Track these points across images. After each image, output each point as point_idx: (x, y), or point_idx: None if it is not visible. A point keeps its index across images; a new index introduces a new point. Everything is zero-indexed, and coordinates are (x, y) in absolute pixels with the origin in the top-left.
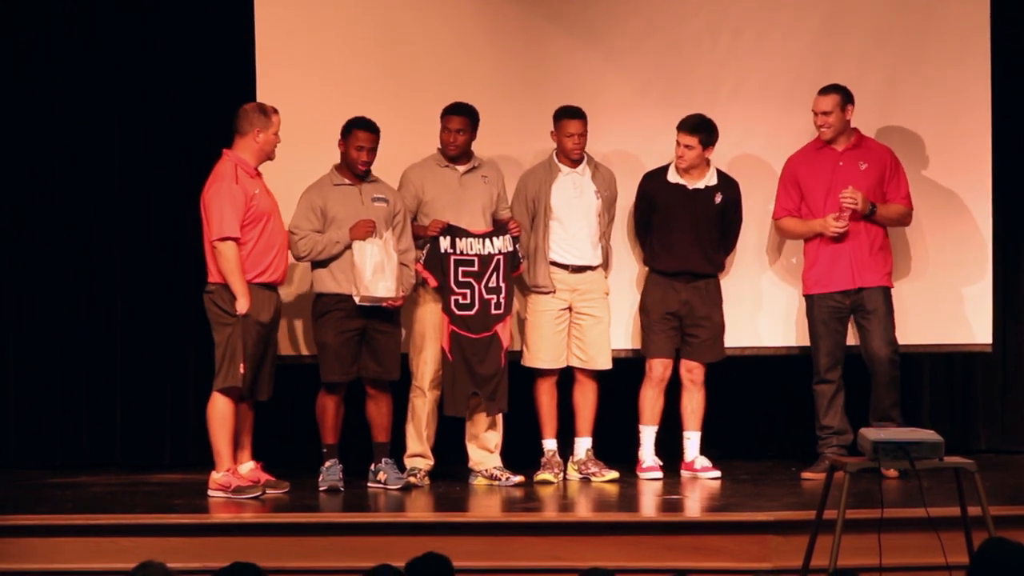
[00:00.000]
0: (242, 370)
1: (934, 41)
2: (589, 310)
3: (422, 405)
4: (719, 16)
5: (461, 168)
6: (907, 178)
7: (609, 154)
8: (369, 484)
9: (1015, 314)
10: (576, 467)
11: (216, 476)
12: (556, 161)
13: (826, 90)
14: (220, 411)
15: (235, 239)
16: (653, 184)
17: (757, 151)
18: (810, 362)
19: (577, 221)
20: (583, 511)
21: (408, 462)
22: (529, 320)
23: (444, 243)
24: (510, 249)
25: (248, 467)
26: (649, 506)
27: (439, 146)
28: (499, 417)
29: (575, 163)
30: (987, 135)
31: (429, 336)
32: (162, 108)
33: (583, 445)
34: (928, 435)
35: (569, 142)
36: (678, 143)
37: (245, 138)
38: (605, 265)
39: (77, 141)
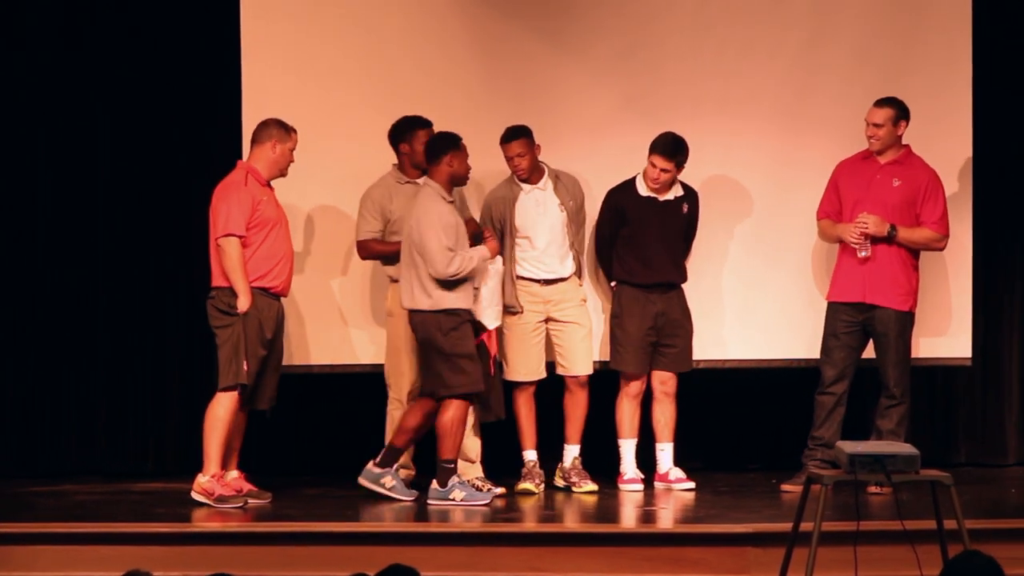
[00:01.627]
0: (246, 367)
1: (916, 59)
2: (567, 317)
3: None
4: (703, 33)
5: (421, 182)
6: (945, 202)
7: (590, 168)
8: (433, 501)
9: (996, 328)
10: (561, 474)
11: (202, 480)
12: (516, 179)
13: (882, 103)
14: (219, 414)
15: (239, 236)
16: (623, 198)
17: (739, 167)
18: (797, 374)
19: (544, 237)
20: (563, 522)
21: None
22: (505, 334)
23: None
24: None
25: (232, 475)
26: (628, 517)
27: (395, 163)
28: (479, 427)
29: (534, 180)
30: (968, 151)
31: (404, 348)
32: (147, 109)
33: (571, 453)
34: (904, 448)
35: (511, 164)
36: (654, 165)
37: (262, 148)
38: (579, 273)
39: (61, 142)
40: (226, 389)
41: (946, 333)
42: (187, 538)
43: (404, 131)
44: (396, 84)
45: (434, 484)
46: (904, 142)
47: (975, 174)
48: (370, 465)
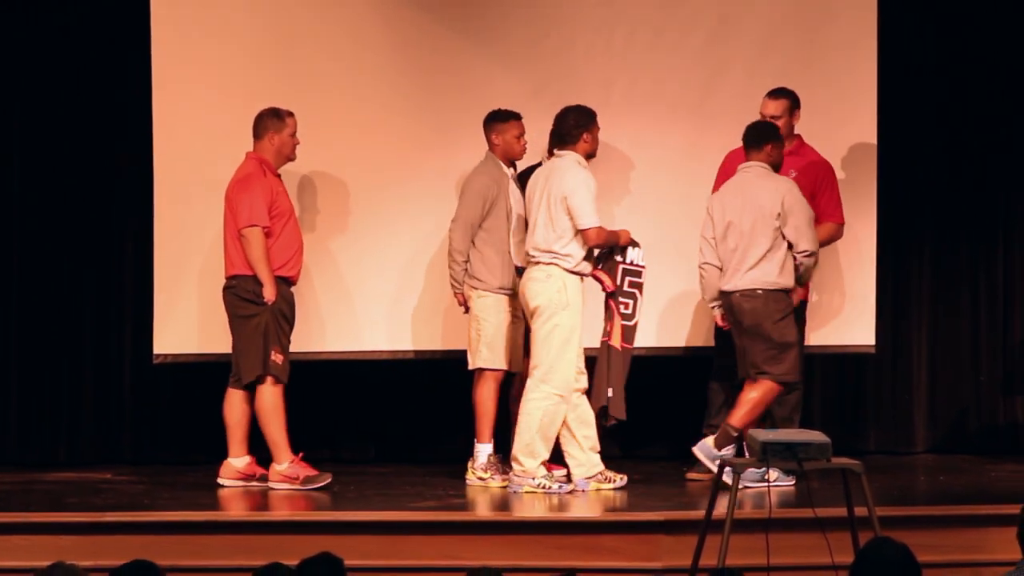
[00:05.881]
0: (280, 359)
1: (822, 46)
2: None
3: None
4: (612, 20)
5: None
6: (839, 192)
7: None
8: (700, 455)
9: (904, 315)
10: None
11: (280, 468)
12: (500, 163)
13: (776, 94)
14: (270, 402)
15: (263, 227)
16: None
17: (647, 154)
18: (701, 363)
19: (522, 222)
20: (476, 510)
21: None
22: (492, 322)
23: (618, 251)
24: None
25: (244, 461)
26: (542, 506)
27: (561, 152)
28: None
29: (510, 166)
30: (873, 138)
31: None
32: (60, 102)
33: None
34: (816, 436)
35: (519, 144)
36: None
37: (261, 142)
38: None
39: None
40: (260, 380)
41: (850, 320)
42: (100, 527)
43: (592, 119)
44: (307, 73)
45: (711, 441)
46: (796, 131)
47: (880, 160)
48: (709, 442)
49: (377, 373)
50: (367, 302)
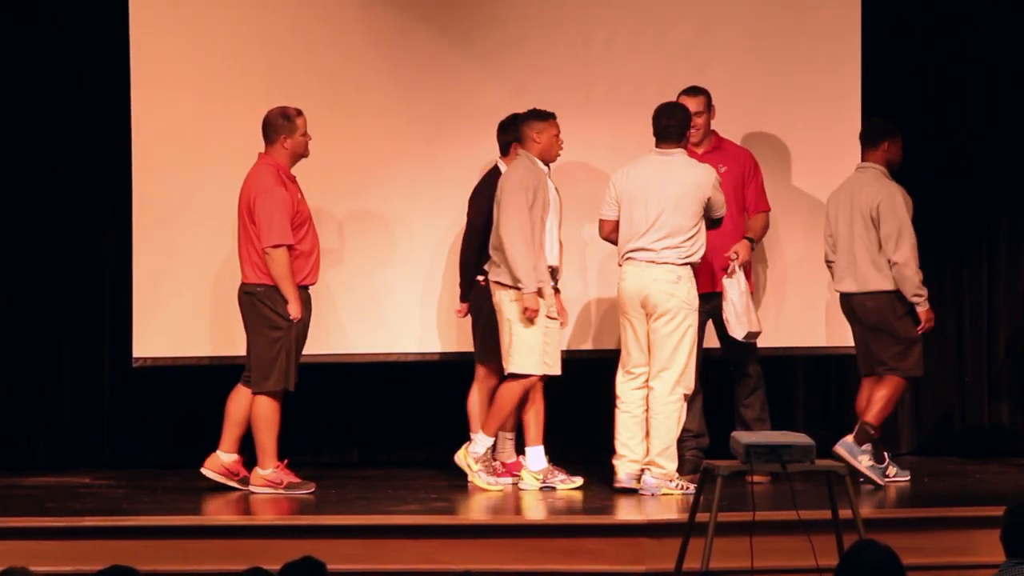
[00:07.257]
0: (294, 372)
1: (806, 48)
2: (554, 313)
3: None
4: (593, 21)
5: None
6: (763, 180)
7: (484, 159)
8: (842, 451)
9: None
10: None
11: (264, 473)
12: (537, 160)
13: (694, 92)
14: (268, 410)
15: (288, 245)
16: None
17: (628, 155)
18: None
19: (557, 221)
20: (458, 514)
21: None
22: (523, 326)
23: None
24: None
25: (232, 458)
26: (526, 509)
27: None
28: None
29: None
30: (856, 139)
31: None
32: (38, 100)
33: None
34: (800, 438)
35: (555, 142)
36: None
37: (274, 146)
38: None
39: None
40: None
41: (834, 321)
42: (80, 532)
43: (690, 116)
44: (288, 74)
45: (851, 439)
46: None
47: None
48: (850, 439)
49: (360, 376)
50: (351, 305)
